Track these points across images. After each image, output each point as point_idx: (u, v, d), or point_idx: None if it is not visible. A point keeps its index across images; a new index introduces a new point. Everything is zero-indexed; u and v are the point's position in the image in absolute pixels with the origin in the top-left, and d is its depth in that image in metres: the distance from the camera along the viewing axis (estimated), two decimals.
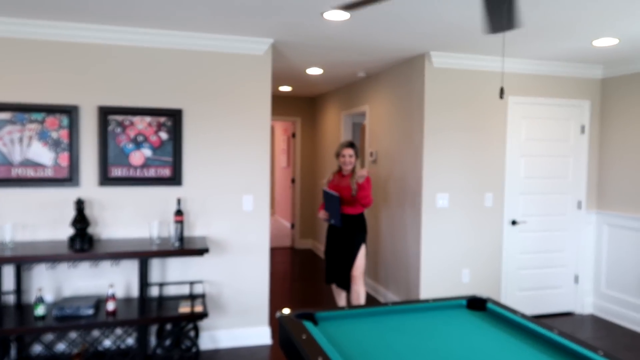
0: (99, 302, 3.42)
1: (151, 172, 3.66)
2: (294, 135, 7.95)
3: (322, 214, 4.41)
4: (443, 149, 4.39)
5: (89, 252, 3.12)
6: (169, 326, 3.54)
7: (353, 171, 4.32)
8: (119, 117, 3.59)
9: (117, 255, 3.15)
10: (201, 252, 3.27)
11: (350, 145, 4.35)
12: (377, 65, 4.92)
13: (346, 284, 4.33)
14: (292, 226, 8.11)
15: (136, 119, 3.62)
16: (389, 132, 5.08)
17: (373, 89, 5.48)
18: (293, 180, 8.00)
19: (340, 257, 4.33)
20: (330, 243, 4.46)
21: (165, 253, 3.25)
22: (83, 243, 3.32)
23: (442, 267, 4.45)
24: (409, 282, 4.59)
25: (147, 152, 3.65)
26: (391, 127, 5.03)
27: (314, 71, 5.27)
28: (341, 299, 4.48)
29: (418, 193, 4.42)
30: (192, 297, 3.63)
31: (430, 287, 4.41)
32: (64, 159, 3.50)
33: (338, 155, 4.38)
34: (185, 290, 3.74)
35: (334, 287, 4.55)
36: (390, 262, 5.02)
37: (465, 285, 4.50)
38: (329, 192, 4.21)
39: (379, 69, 5.07)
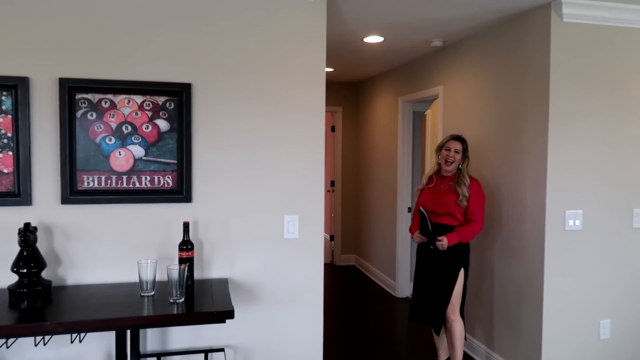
0: None
1: (144, 182, 2.36)
2: (333, 128, 6.60)
3: (418, 237, 3.28)
4: (575, 146, 2.98)
5: (33, 323, 1.82)
6: None
7: (458, 175, 3.22)
8: (94, 96, 2.29)
9: (79, 326, 1.84)
10: (221, 318, 1.94)
11: (459, 138, 3.28)
12: (463, 28, 3.53)
13: (436, 322, 3.22)
14: (331, 238, 6.76)
15: (120, 99, 2.32)
16: (478, 122, 3.68)
17: (451, 63, 4.08)
18: (332, 184, 6.65)
19: (432, 288, 3.24)
20: (421, 267, 3.35)
21: (160, 321, 1.93)
22: (31, 297, 2.04)
23: (572, 316, 3.04)
24: (524, 335, 3.19)
25: (137, 150, 2.35)
26: (483, 114, 3.62)
27: (373, 39, 3.91)
28: (442, 344, 3.44)
29: (537, 209, 3.02)
30: None
31: (556, 344, 3.01)
32: (5, 163, 2.22)
33: (440, 148, 3.31)
34: None
35: (435, 336, 3.43)
36: (493, 308, 3.62)
37: (604, 342, 3.09)
38: (424, 215, 3.16)
39: (464, 33, 3.67)
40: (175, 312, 1.94)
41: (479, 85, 3.68)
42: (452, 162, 3.20)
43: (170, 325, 1.98)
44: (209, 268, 2.45)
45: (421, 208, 3.17)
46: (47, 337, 2.13)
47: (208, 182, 2.43)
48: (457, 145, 3.21)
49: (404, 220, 5.16)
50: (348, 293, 5.48)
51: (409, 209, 5.17)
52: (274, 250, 2.53)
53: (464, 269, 3.21)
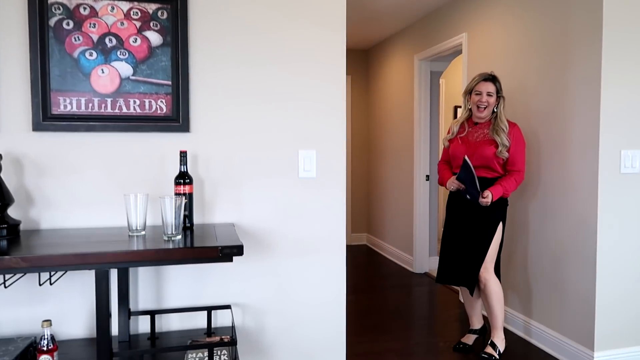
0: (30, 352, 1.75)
1: (132, 106, 1.97)
2: None
3: (453, 183, 2.87)
4: (632, 81, 2.60)
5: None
6: None
7: (495, 120, 2.83)
8: (70, 1, 1.90)
9: (46, 262, 1.44)
10: (227, 254, 1.55)
11: (491, 78, 2.88)
12: None
13: (470, 282, 2.83)
14: None
15: (102, 5, 1.93)
16: (512, 65, 3.28)
17: (477, 6, 3.68)
18: None
19: (466, 244, 2.86)
20: (453, 222, 2.96)
21: (150, 257, 1.53)
22: None
23: (632, 275, 2.65)
24: (571, 300, 2.79)
25: (123, 67, 1.96)
26: (517, 56, 3.23)
27: None
28: (475, 311, 3.09)
29: (588, 151, 2.63)
30: (210, 337, 1.93)
31: (612, 309, 2.62)
32: None
33: (470, 92, 2.89)
34: (198, 321, 2.05)
35: (467, 303, 3.08)
36: (531, 271, 3.23)
37: None
38: (468, 164, 2.70)
39: None
40: (173, 247, 1.54)
41: (511, 23, 3.28)
42: (485, 107, 2.82)
43: (163, 263, 1.58)
44: (212, 211, 2.06)
45: (466, 157, 2.72)
46: (30, 283, 1.74)
47: (209, 109, 2.04)
48: (490, 87, 2.83)
49: (422, 191, 4.77)
50: (362, 271, 5.09)
51: (427, 177, 4.77)
52: (288, 191, 2.14)
53: (502, 224, 2.83)
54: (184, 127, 2.01)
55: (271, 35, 2.09)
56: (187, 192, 1.86)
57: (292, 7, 2.10)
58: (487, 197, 2.69)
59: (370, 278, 4.76)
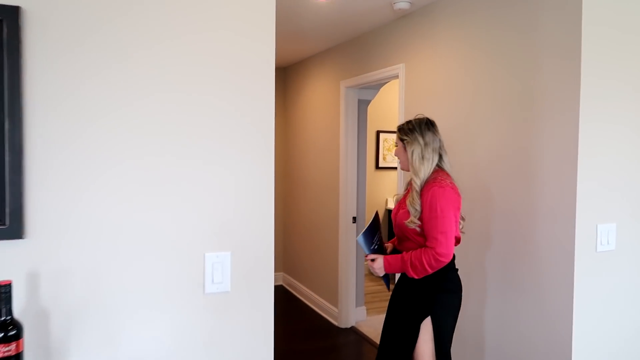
0: None
1: None
2: None
3: (371, 262, 2.26)
4: (611, 133, 2.21)
5: None
6: None
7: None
8: None
9: None
10: None
11: (400, 127, 2.31)
12: None
13: None
14: None
15: None
16: (459, 105, 2.81)
17: (418, 33, 3.19)
18: None
19: (395, 335, 2.25)
20: (390, 306, 2.36)
21: None
22: None
23: None
24: None
25: None
26: (466, 94, 2.76)
27: None
28: None
29: (560, 223, 2.20)
30: None
31: None
32: None
33: None
34: None
35: None
36: None
37: None
38: (375, 220, 2.32)
39: None
40: None
41: (461, 55, 2.81)
42: (402, 165, 2.31)
43: None
44: (64, 359, 1.30)
45: (377, 211, 2.35)
46: None
47: (59, 194, 1.28)
48: (398, 139, 2.31)
49: (348, 234, 4.22)
50: (280, 325, 4.43)
51: (354, 219, 4.24)
52: (187, 316, 1.43)
53: (434, 319, 2.15)
54: (14, 230, 1.22)
55: (169, 78, 1.37)
56: (9, 354, 1.09)
57: (189, 42, 1.40)
58: (375, 263, 2.18)
59: (289, 337, 4.12)
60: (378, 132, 6.03)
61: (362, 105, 4.30)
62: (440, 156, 2.22)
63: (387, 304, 2.37)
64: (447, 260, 2.06)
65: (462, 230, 2.27)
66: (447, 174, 2.19)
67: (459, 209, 2.15)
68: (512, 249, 2.46)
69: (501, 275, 2.53)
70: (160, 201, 1.37)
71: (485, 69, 2.63)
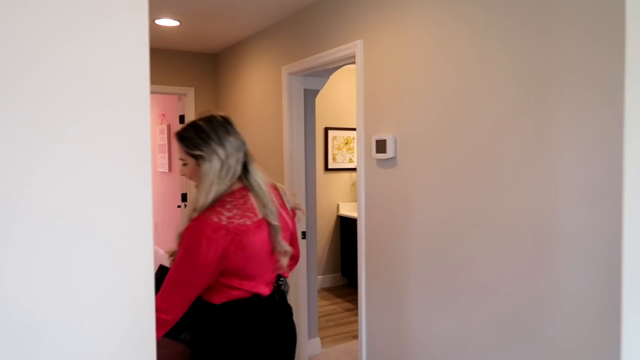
0: None
1: None
2: (182, 119, 4.66)
3: None
4: None
5: None
6: None
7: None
8: None
9: None
10: None
11: (178, 136, 1.61)
12: None
13: None
14: None
15: None
16: (439, 94, 2.13)
17: (380, 0, 2.49)
18: (184, 197, 4.70)
19: None
20: None
21: None
22: None
23: None
24: None
25: None
26: (446, 78, 2.09)
27: None
28: None
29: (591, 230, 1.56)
30: None
31: None
32: None
33: None
34: None
35: None
36: None
37: None
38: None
39: None
40: None
41: (436, 26, 2.14)
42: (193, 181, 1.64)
43: None
44: None
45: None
46: None
47: None
48: (180, 151, 1.61)
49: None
50: None
51: (303, 234, 3.51)
52: None
53: None
54: None
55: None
56: None
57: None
58: None
59: None
60: (326, 129, 5.34)
61: (309, 97, 3.58)
62: (245, 166, 1.60)
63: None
64: (167, 318, 1.43)
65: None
66: (249, 196, 1.57)
67: (216, 260, 1.46)
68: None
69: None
70: None
71: (472, 42, 1.97)
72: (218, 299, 1.54)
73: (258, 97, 3.87)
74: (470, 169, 2.02)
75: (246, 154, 1.62)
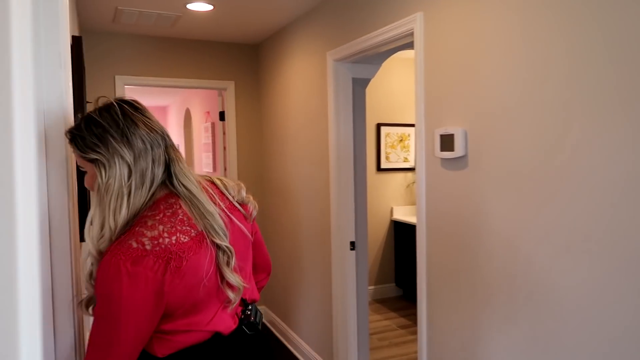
0: None
1: None
2: (222, 115, 4.33)
3: None
4: None
5: None
6: None
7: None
8: None
9: None
10: None
11: (77, 138, 1.11)
12: None
13: None
14: None
15: None
16: (529, 80, 1.62)
17: None
18: None
19: None
20: None
21: None
22: None
23: None
24: None
25: None
26: (545, 59, 1.57)
27: None
28: None
29: None
30: None
31: None
32: None
33: None
34: None
35: None
36: None
37: None
38: None
39: None
40: None
41: None
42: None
43: None
44: None
45: None
46: None
47: None
48: (79, 157, 1.14)
49: (345, 265, 3.05)
50: None
51: (352, 245, 3.07)
52: None
53: None
54: None
55: None
56: None
57: None
58: None
59: None
60: (378, 125, 4.85)
61: (359, 87, 3.12)
62: (168, 166, 1.16)
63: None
64: None
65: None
66: (179, 204, 1.14)
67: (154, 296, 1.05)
68: None
69: None
70: None
71: (567, 16, 1.45)
72: (163, 349, 1.12)
73: (301, 89, 3.46)
74: (568, 174, 1.50)
75: (167, 150, 1.16)
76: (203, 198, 1.15)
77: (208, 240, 1.12)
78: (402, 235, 4.80)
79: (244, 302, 1.26)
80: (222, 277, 1.15)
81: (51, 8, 1.31)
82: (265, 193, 4.26)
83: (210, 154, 5.92)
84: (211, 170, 5.90)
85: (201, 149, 6.38)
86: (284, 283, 3.96)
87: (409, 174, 4.95)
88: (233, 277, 1.15)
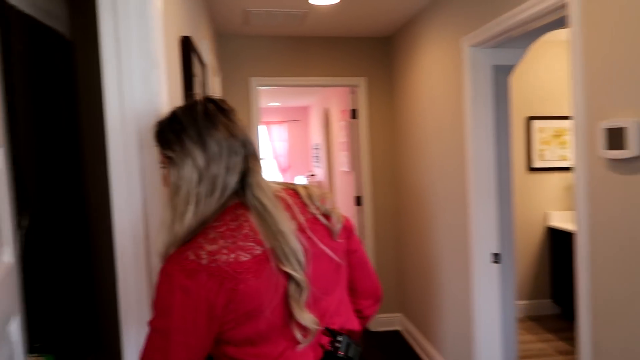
0: None
1: None
2: (354, 113, 4.17)
3: None
4: None
5: None
6: None
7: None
8: None
9: None
10: None
11: (156, 131, 1.05)
12: None
13: None
14: None
15: None
16: None
17: None
18: (358, 201, 4.22)
19: None
20: None
21: None
22: None
23: None
24: None
25: None
26: None
27: None
28: None
29: None
30: None
31: None
32: None
33: None
34: None
35: None
36: None
37: None
38: None
39: None
40: None
41: None
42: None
43: None
44: None
45: None
46: None
47: None
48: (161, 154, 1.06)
49: (487, 278, 2.67)
50: None
51: (495, 257, 2.67)
52: None
53: None
54: None
55: None
56: None
57: None
58: None
59: None
60: (529, 119, 4.27)
61: (501, 76, 2.70)
62: (244, 176, 1.02)
63: None
64: None
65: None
66: (246, 216, 1.00)
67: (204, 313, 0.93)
68: None
69: None
70: None
71: None
72: None
73: (434, 81, 3.13)
74: None
75: (247, 159, 1.02)
76: (277, 215, 0.99)
77: (273, 265, 0.96)
78: (561, 245, 4.15)
79: (331, 333, 1.06)
80: (291, 314, 0.97)
81: (140, 7, 1.31)
82: (399, 195, 4.01)
83: (347, 153, 5.84)
84: (348, 170, 5.82)
85: (339, 148, 6.34)
86: (419, 290, 3.67)
87: (568, 174, 4.27)
88: (304, 317, 0.96)
